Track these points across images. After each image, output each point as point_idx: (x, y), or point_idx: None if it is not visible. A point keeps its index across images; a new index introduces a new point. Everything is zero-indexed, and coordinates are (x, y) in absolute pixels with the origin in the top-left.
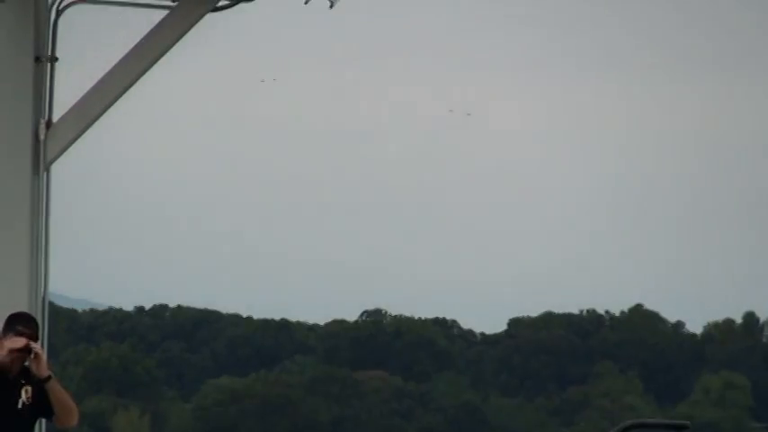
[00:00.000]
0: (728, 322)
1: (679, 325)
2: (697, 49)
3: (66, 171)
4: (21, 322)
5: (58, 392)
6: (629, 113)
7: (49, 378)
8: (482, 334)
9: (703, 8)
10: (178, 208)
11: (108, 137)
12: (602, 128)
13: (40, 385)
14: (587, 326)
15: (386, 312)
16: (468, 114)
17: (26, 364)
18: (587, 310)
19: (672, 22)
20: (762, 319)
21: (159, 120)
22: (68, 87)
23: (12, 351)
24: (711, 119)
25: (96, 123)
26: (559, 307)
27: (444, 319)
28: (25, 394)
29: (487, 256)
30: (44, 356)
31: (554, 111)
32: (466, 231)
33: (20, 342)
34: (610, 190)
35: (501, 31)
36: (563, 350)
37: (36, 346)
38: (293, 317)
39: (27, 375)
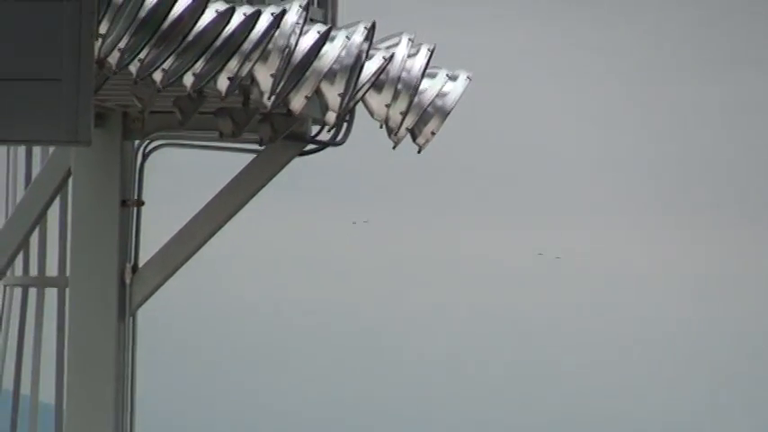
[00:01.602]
0: None
1: None
2: None
3: (152, 316)
4: None
5: None
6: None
7: None
8: None
9: None
10: (265, 352)
11: (194, 282)
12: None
13: None
14: None
15: None
16: (558, 258)
17: None
18: None
19: None
20: None
21: (249, 263)
22: (154, 231)
23: None
24: None
25: (182, 268)
26: None
27: None
28: None
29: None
30: None
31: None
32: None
33: None
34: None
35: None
36: None
37: None
38: None
39: None
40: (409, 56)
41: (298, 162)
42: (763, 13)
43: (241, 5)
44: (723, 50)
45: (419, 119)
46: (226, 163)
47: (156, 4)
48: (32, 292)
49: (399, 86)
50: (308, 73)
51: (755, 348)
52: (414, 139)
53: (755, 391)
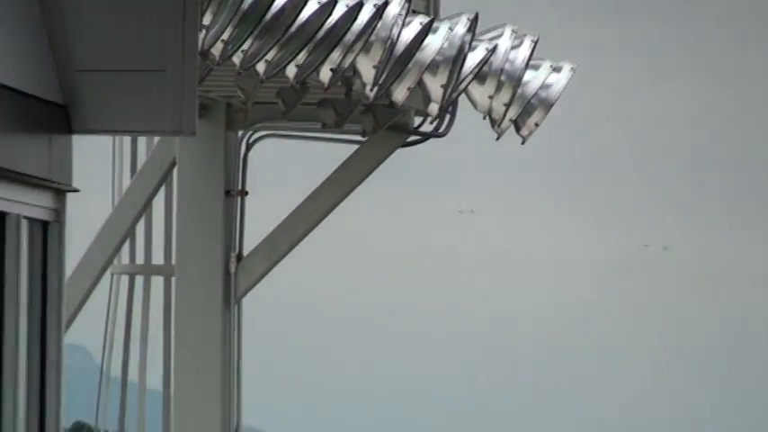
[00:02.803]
0: None
1: None
2: None
3: (257, 304)
4: None
5: None
6: None
7: None
8: None
9: None
10: (368, 342)
11: (298, 270)
12: None
13: None
14: None
15: None
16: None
17: None
18: None
19: None
20: None
21: (351, 254)
22: (258, 221)
23: None
24: None
25: (286, 257)
26: None
27: None
28: None
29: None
30: None
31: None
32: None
33: None
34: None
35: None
36: None
37: None
38: None
39: None
40: (512, 47)
41: (400, 153)
42: None
43: None
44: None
45: (523, 110)
46: (329, 154)
47: None
48: (139, 279)
49: (502, 78)
50: (410, 64)
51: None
52: (517, 130)
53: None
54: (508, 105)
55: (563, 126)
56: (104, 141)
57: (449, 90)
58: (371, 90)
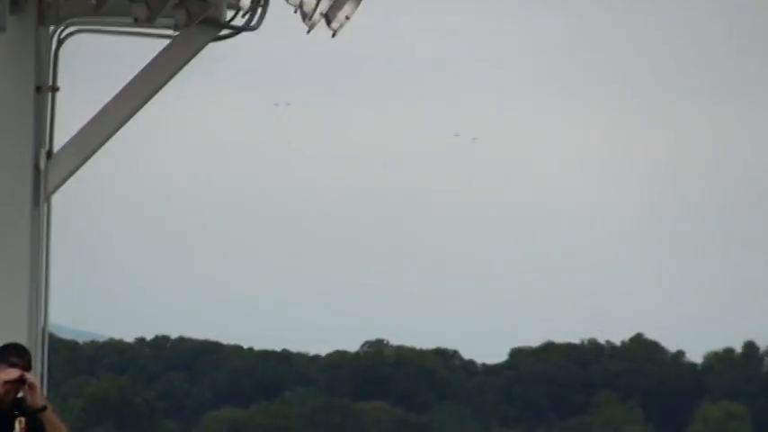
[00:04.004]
0: (728, 351)
1: (679, 354)
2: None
3: (66, 201)
4: (13, 354)
5: (54, 422)
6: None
7: (44, 408)
8: (483, 364)
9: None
10: (179, 238)
11: (110, 166)
12: (600, 156)
13: (35, 416)
14: (588, 356)
15: (387, 343)
16: (474, 139)
17: (20, 395)
18: (588, 340)
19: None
20: (762, 348)
21: (164, 148)
22: (70, 117)
23: (5, 383)
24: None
25: (98, 152)
26: (560, 337)
27: (445, 349)
28: (19, 425)
29: (488, 286)
30: (39, 387)
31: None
32: (465, 261)
33: (13, 374)
34: (607, 218)
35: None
36: (564, 380)
37: (30, 376)
38: (294, 348)
39: (20, 406)
40: None
41: (213, 47)
42: None
43: None
44: None
45: (333, 3)
46: (143, 49)
47: None
48: None
49: None
50: None
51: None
52: (328, 23)
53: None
54: None
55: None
56: None
57: None
58: None
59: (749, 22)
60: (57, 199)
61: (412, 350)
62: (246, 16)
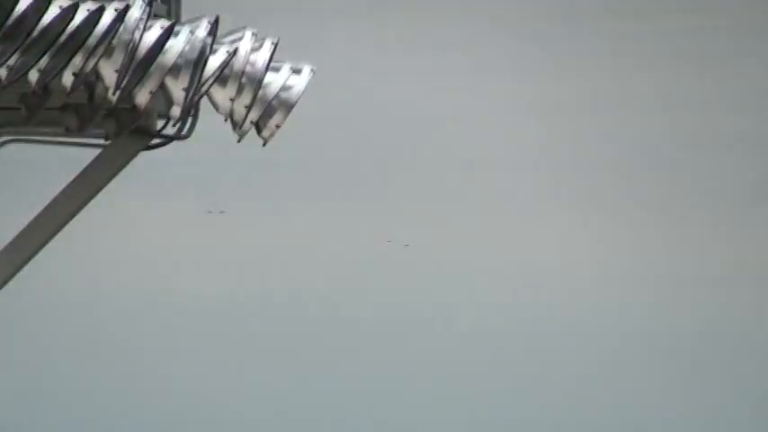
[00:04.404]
0: None
1: None
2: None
3: None
4: None
5: None
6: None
7: None
8: None
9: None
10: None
11: (43, 276)
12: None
13: None
14: None
15: None
16: (407, 245)
17: None
18: None
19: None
20: None
21: (96, 258)
22: (2, 226)
23: None
24: None
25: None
26: None
27: None
28: None
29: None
30: None
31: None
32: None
33: None
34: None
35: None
36: None
37: None
38: None
39: None
40: (253, 50)
41: (145, 156)
42: None
43: (84, 2)
44: None
45: (264, 112)
46: (74, 158)
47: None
48: None
49: (243, 80)
50: (152, 68)
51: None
52: (258, 132)
53: None
54: (249, 107)
55: (307, 125)
56: None
57: (190, 93)
58: (114, 94)
59: None
60: None
61: None
62: (177, 126)
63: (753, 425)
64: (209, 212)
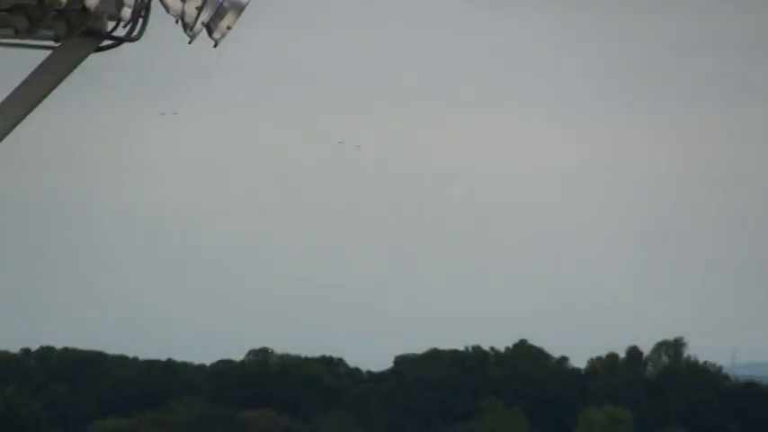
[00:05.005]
0: (612, 357)
1: (563, 360)
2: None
3: None
4: None
5: None
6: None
7: None
8: (368, 372)
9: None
10: (61, 248)
11: None
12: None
13: None
14: (472, 362)
15: (272, 351)
16: (358, 147)
17: None
18: (472, 347)
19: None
20: (645, 353)
21: (49, 161)
22: None
23: None
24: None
25: None
26: (444, 343)
27: (330, 357)
28: None
29: (372, 293)
30: None
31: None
32: (349, 268)
33: None
34: (490, 227)
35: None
36: (449, 386)
37: None
38: (179, 357)
39: None
40: None
41: (95, 58)
42: None
43: None
44: None
45: (215, 14)
46: (26, 60)
47: None
48: None
49: None
50: None
51: None
52: (209, 33)
53: None
54: (200, 9)
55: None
56: None
57: None
58: None
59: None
60: None
61: (297, 358)
62: (128, 27)
63: None
64: (162, 114)
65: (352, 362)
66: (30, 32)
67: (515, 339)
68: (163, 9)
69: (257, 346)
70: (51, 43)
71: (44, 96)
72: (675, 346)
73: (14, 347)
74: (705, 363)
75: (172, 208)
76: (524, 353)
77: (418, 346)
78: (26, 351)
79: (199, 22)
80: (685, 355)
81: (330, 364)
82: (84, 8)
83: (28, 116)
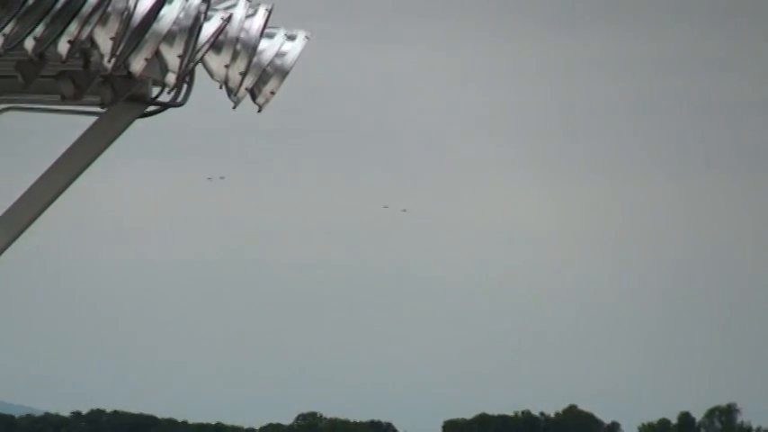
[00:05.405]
0: (663, 423)
1: (614, 426)
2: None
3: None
4: None
5: None
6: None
7: None
8: None
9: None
10: (113, 312)
11: (46, 240)
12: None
13: None
14: (522, 427)
15: (321, 416)
16: (404, 210)
17: None
18: (522, 411)
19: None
20: (697, 419)
21: (95, 224)
22: (2, 193)
23: None
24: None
25: (33, 225)
26: (494, 409)
27: (379, 421)
28: None
29: (422, 359)
30: None
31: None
32: (398, 332)
33: None
34: (537, 291)
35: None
36: None
37: None
38: (228, 421)
39: None
40: (247, 16)
41: (140, 123)
42: None
43: None
44: None
45: (258, 79)
46: (70, 125)
47: None
48: None
49: (238, 47)
50: (147, 35)
51: None
52: (254, 99)
53: None
54: (244, 74)
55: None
56: None
57: (185, 60)
58: (109, 61)
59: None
60: None
61: (346, 423)
62: (173, 92)
63: None
64: (209, 179)
65: (401, 426)
66: (76, 98)
67: (565, 404)
68: (207, 74)
69: (306, 410)
70: (97, 109)
71: (90, 162)
72: (728, 412)
73: (65, 410)
74: (759, 428)
75: (221, 270)
76: (574, 418)
77: (467, 411)
78: (77, 414)
79: (243, 88)
80: (738, 420)
81: (379, 429)
82: (130, 74)
83: (74, 181)
